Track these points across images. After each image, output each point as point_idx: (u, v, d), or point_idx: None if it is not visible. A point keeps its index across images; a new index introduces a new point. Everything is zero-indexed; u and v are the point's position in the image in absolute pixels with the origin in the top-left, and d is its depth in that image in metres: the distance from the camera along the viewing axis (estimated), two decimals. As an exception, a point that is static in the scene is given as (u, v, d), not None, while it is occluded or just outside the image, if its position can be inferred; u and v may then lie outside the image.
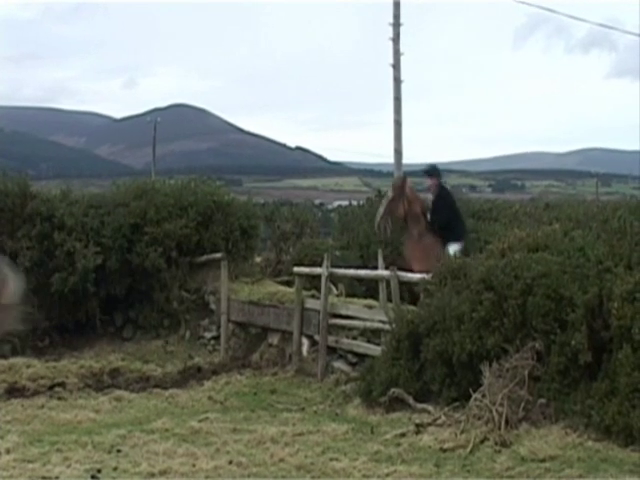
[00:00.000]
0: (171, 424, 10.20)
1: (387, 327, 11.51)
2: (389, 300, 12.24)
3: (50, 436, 9.68)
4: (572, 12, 48.00)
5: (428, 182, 15.22)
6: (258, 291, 15.23)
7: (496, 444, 8.60)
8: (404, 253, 14.81)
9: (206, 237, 16.50)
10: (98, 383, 13.20)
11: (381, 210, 14.69)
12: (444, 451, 8.68)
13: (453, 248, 14.48)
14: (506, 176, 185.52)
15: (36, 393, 12.44)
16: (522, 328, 9.47)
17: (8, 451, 8.90)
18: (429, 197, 15.24)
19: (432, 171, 15.20)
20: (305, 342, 13.68)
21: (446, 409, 9.63)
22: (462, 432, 8.96)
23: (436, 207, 14.90)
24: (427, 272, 12.63)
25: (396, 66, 29.83)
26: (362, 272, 13.65)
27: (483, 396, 9.21)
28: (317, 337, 13.31)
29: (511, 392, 9.10)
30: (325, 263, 13.26)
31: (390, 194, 14.82)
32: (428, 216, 14.72)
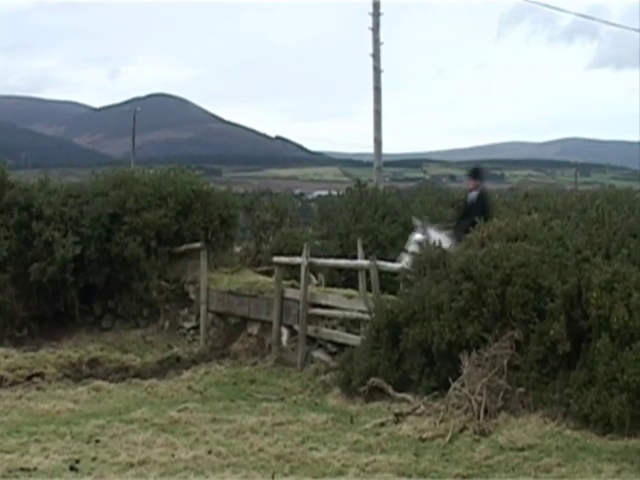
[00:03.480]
0: (150, 414, 10.18)
1: (367, 317, 11.52)
2: (369, 290, 12.24)
3: (28, 427, 9.65)
4: (556, 2, 47.57)
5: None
6: (237, 281, 15.19)
7: (475, 433, 8.64)
8: None
9: (185, 227, 16.46)
10: (77, 373, 13.16)
11: None
12: (423, 440, 8.71)
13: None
14: (485, 166, 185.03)
15: (14, 383, 12.40)
16: (501, 317, 9.51)
17: (-14, 442, 8.86)
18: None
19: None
20: (284, 332, 13.68)
21: (425, 398, 9.65)
22: (441, 421, 8.99)
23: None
24: None
25: (376, 56, 29.78)
26: (342, 262, 13.64)
27: (462, 385, 9.24)
28: (297, 327, 13.31)
29: (490, 381, 9.13)
30: (305, 253, 13.24)
31: None
32: None
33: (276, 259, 14.11)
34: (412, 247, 13.48)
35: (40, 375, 12.80)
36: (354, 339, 11.91)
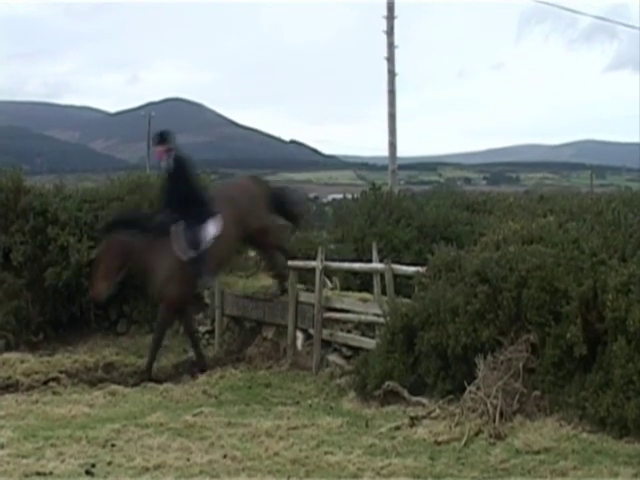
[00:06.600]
0: (165, 418, 10.18)
1: (382, 320, 11.49)
2: (384, 293, 12.22)
3: (44, 431, 9.66)
4: (576, 2, 47.22)
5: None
6: (252, 285, 15.19)
7: (490, 437, 8.60)
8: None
9: (200, 231, 16.45)
10: (92, 378, 13.16)
11: None
12: (439, 444, 8.68)
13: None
14: (500, 168, 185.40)
15: (30, 388, 12.43)
16: (517, 321, 9.47)
17: (2, 446, 8.90)
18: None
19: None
20: (299, 336, 13.66)
21: (441, 402, 9.62)
22: (456, 425, 8.96)
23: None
24: None
25: (390, 59, 29.81)
26: (356, 265, 13.61)
27: (477, 389, 9.21)
28: (311, 331, 13.29)
29: (505, 384, 9.10)
30: (319, 256, 13.24)
31: None
32: None
33: (291, 263, 14.10)
34: None
35: (56, 380, 12.83)
36: (369, 343, 11.89)
